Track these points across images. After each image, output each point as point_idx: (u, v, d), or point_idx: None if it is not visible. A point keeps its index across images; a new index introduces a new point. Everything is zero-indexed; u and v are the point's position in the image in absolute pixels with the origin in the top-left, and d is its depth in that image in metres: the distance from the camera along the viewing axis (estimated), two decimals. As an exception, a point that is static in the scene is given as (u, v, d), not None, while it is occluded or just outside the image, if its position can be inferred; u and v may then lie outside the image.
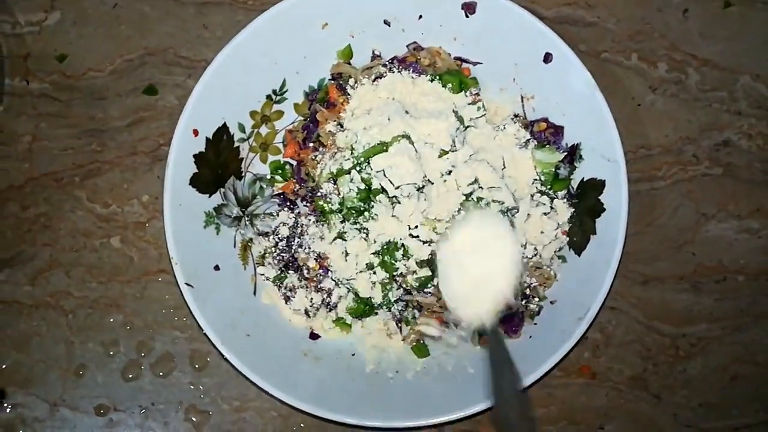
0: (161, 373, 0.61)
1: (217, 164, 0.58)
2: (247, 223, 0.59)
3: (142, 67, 0.66)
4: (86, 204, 0.64)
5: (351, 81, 0.59)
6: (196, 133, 0.56)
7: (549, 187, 0.57)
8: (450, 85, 0.57)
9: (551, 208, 0.57)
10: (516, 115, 0.60)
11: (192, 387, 0.61)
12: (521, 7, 0.56)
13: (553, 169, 0.57)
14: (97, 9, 0.67)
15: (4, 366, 0.61)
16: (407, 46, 0.60)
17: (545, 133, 0.58)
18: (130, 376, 0.61)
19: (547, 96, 0.58)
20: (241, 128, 0.59)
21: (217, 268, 0.56)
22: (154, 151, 0.64)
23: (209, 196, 0.57)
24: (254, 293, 0.58)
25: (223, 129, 0.58)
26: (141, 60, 0.66)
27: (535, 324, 0.56)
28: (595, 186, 0.56)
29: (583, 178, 0.57)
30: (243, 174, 0.60)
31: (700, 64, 0.65)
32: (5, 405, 0.61)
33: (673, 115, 0.64)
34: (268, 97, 0.60)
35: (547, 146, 0.57)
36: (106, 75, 0.66)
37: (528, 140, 0.57)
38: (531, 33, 0.56)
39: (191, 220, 0.56)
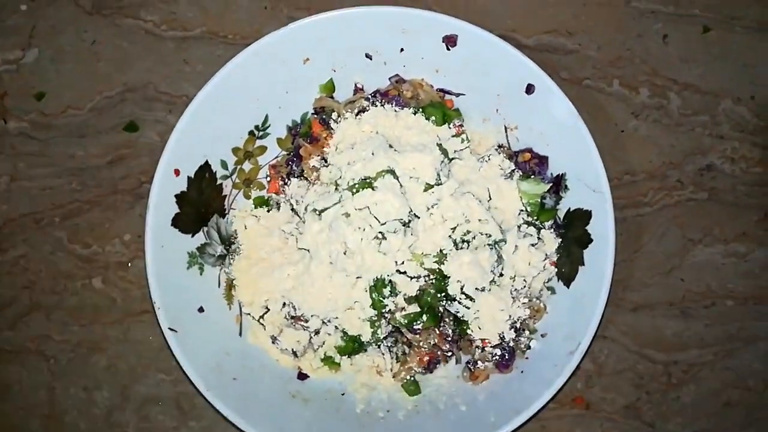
0: (146, 417, 0.60)
1: (199, 203, 0.57)
2: (231, 261, 0.58)
3: (122, 103, 0.65)
4: (66, 245, 0.62)
5: (334, 115, 0.58)
6: (177, 173, 0.55)
7: (536, 217, 0.57)
8: (433, 117, 0.57)
9: (538, 238, 0.56)
10: (500, 146, 0.60)
11: (178, 431, 0.59)
12: (502, 39, 0.56)
13: (539, 200, 0.56)
14: (75, 46, 0.66)
15: (-17, 414, 0.60)
16: (389, 78, 0.60)
17: (530, 164, 0.58)
18: (113, 420, 0.60)
19: (530, 126, 0.58)
20: (224, 165, 0.58)
21: (201, 309, 0.55)
22: (136, 189, 0.63)
23: (192, 236, 0.56)
24: (240, 334, 0.57)
25: (205, 167, 0.57)
26: (121, 96, 0.65)
27: (527, 358, 0.56)
28: (581, 216, 0.56)
29: (569, 209, 0.57)
30: (226, 211, 0.59)
31: (681, 89, 0.65)
32: (-15, 455, 0.59)
33: (656, 141, 0.65)
34: (251, 132, 0.59)
35: (533, 177, 0.57)
36: (86, 112, 0.65)
37: (513, 171, 0.57)
38: (513, 64, 0.56)
39: (174, 261, 0.55)
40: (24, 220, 0.63)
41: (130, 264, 0.62)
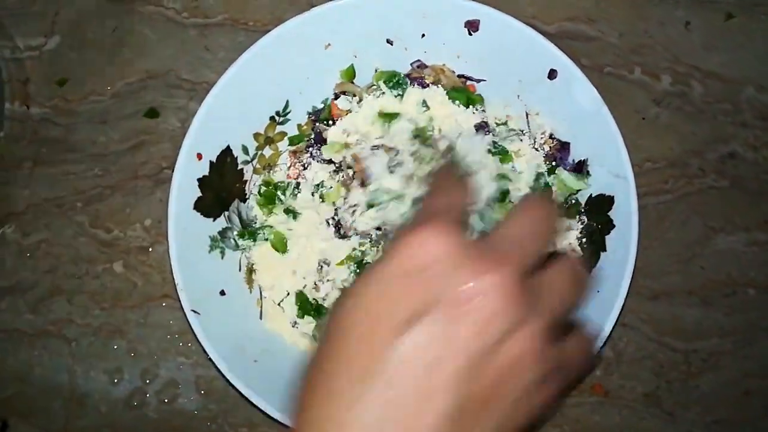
0: (166, 400, 0.60)
1: (221, 187, 0.57)
2: (252, 245, 0.58)
3: (144, 90, 0.65)
4: (88, 230, 0.63)
5: (355, 99, 0.58)
6: (200, 157, 0.55)
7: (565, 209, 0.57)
8: (458, 101, 0.57)
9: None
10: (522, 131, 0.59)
11: (198, 413, 0.60)
12: (524, 24, 0.55)
13: (572, 194, 0.57)
14: (97, 33, 0.66)
15: (5, 396, 0.60)
16: (411, 64, 0.60)
17: (552, 149, 0.58)
18: (135, 404, 0.60)
19: (552, 112, 0.58)
20: (245, 150, 0.59)
21: (222, 293, 0.55)
22: (157, 175, 0.64)
23: (213, 220, 0.57)
24: (261, 317, 0.57)
25: (227, 152, 0.57)
26: (142, 83, 0.65)
27: None
28: (604, 202, 0.55)
29: (591, 194, 0.57)
30: (247, 196, 0.59)
31: (703, 77, 0.65)
32: (8, 436, 0.60)
33: (677, 128, 0.64)
34: (272, 118, 0.59)
35: (578, 174, 0.57)
36: (108, 99, 0.65)
37: (554, 163, 0.58)
38: (535, 49, 0.56)
39: (196, 245, 0.55)
40: (46, 205, 0.63)
41: (150, 249, 0.63)
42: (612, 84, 0.64)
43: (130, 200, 0.63)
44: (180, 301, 0.52)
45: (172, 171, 0.62)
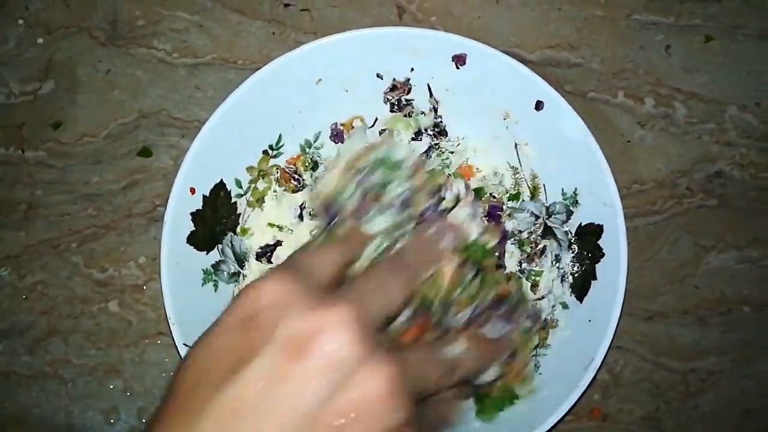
0: (163, 439, 0.60)
1: (214, 221, 0.58)
2: (245, 278, 0.59)
3: (137, 130, 0.66)
4: (83, 270, 0.63)
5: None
6: (193, 191, 0.56)
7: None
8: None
9: (556, 255, 0.57)
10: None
11: (195, 451, 0.59)
12: (510, 57, 0.56)
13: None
14: (90, 76, 0.68)
15: (2, 440, 0.60)
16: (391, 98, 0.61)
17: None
18: (132, 443, 0.60)
19: (541, 143, 0.59)
20: (238, 183, 0.60)
21: None
22: (150, 213, 0.64)
23: (207, 253, 0.57)
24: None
25: (220, 185, 0.58)
26: (135, 123, 0.67)
27: (540, 374, 0.55)
28: (593, 231, 0.56)
29: (581, 223, 0.57)
30: (240, 229, 0.60)
31: (686, 98, 0.66)
32: (4, 480, 0.59)
33: (663, 150, 0.65)
34: (265, 152, 0.60)
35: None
36: (101, 139, 0.66)
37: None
38: (521, 81, 0.57)
39: (189, 278, 0.55)
40: (41, 247, 0.64)
41: (145, 287, 0.63)
42: (596, 108, 0.65)
43: (125, 239, 0.64)
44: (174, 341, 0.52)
45: (165, 209, 0.63)
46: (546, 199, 0.59)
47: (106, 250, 0.64)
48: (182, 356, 0.52)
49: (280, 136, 0.61)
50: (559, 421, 0.52)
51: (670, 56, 0.67)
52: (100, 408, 0.61)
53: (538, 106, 0.57)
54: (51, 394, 0.61)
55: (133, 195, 0.65)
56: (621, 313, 0.53)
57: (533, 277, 0.59)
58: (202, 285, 0.56)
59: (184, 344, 0.52)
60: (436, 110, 0.61)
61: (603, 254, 0.55)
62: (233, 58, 0.68)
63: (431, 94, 0.60)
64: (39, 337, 0.62)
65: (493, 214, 0.60)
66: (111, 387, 0.61)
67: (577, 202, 0.57)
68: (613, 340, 0.53)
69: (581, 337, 0.54)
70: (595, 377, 0.59)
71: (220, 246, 0.58)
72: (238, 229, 0.59)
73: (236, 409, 0.23)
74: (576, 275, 0.57)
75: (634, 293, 0.61)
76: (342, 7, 0.68)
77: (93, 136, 0.67)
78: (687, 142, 0.65)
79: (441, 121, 0.61)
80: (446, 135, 0.61)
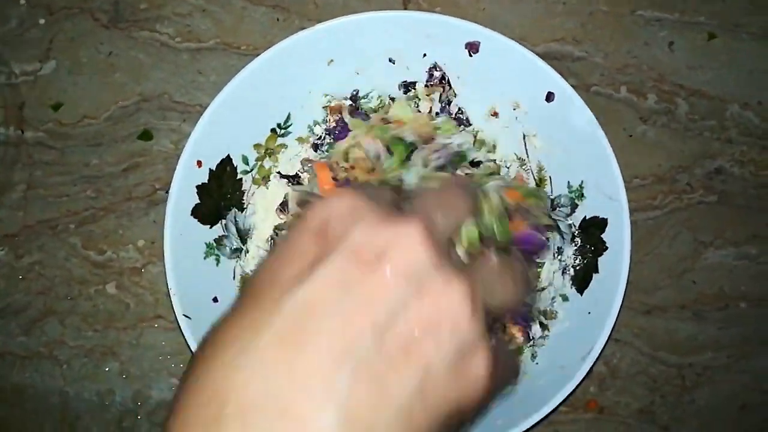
0: (158, 422, 0.59)
1: (219, 195, 0.58)
2: (247, 255, 0.59)
3: (138, 113, 0.66)
4: (81, 251, 0.63)
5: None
6: (199, 164, 0.56)
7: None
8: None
9: (558, 248, 0.57)
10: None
11: (190, 435, 0.59)
12: (524, 47, 0.56)
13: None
14: (91, 57, 0.67)
15: (-4, 420, 0.60)
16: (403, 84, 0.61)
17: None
18: (126, 425, 0.59)
19: (549, 134, 0.59)
20: (245, 160, 0.59)
21: (215, 300, 0.55)
22: (150, 196, 0.64)
23: (210, 227, 0.57)
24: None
25: (227, 161, 0.58)
26: (136, 106, 0.66)
27: (537, 363, 0.56)
28: (597, 224, 0.56)
29: (585, 216, 0.57)
30: (245, 206, 0.60)
31: (688, 94, 0.66)
32: (-3, 461, 0.59)
33: (664, 145, 0.65)
34: (273, 130, 0.60)
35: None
36: (102, 122, 0.66)
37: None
38: (534, 72, 0.57)
39: (191, 250, 0.55)
40: (40, 227, 0.64)
41: (143, 270, 0.63)
42: (599, 103, 0.66)
43: (123, 221, 0.64)
44: (175, 313, 0.52)
45: (166, 192, 0.63)
46: (552, 191, 0.59)
47: (104, 233, 0.63)
48: (181, 326, 0.52)
49: (288, 115, 0.61)
50: (554, 410, 0.52)
51: (673, 53, 0.67)
52: (96, 390, 0.60)
53: (549, 97, 0.57)
54: (46, 375, 0.61)
55: (133, 178, 0.65)
56: (620, 306, 0.53)
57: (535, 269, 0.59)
58: (204, 258, 0.56)
59: (184, 315, 0.52)
60: (450, 102, 0.61)
61: (606, 248, 0.55)
62: (236, 44, 0.67)
63: (450, 85, 0.61)
64: (35, 317, 0.62)
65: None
66: (107, 369, 0.61)
67: (582, 195, 0.57)
68: (612, 332, 0.53)
69: (580, 329, 0.55)
70: (592, 369, 0.59)
71: (223, 221, 0.58)
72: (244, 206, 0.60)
73: (308, 309, 0.23)
74: (577, 268, 0.57)
75: (633, 287, 0.61)
76: (347, -5, 0.68)
77: (93, 118, 0.66)
78: (688, 139, 0.65)
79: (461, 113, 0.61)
80: (470, 125, 0.61)
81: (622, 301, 0.54)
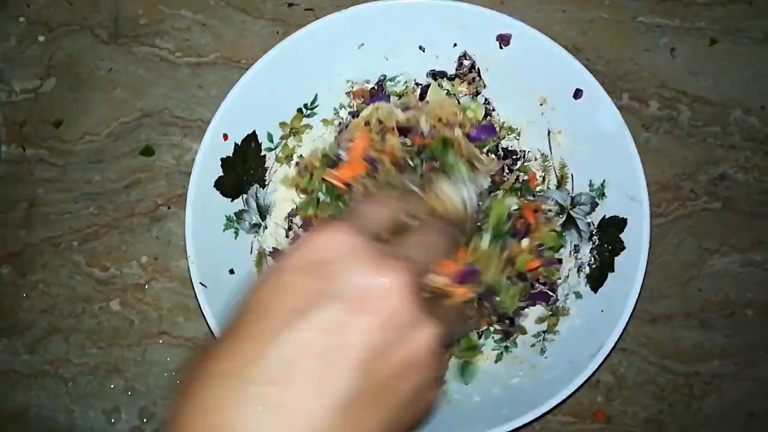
0: (164, 439, 0.59)
1: (243, 170, 0.58)
2: (265, 231, 0.59)
3: (139, 128, 0.66)
4: (84, 268, 0.63)
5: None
6: (225, 137, 0.56)
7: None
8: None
9: (575, 246, 0.58)
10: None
11: (197, 452, 0.59)
12: (556, 43, 0.56)
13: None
14: (92, 74, 0.67)
15: (2, 439, 0.60)
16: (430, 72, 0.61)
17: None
18: (133, 443, 0.59)
19: (574, 132, 0.59)
20: (270, 138, 0.60)
21: (232, 272, 0.56)
22: (152, 212, 0.64)
23: (231, 201, 0.58)
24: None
25: (252, 136, 0.58)
26: (137, 122, 0.66)
27: (546, 357, 0.55)
28: (616, 224, 0.56)
29: (605, 216, 0.57)
30: (267, 183, 0.60)
31: (691, 100, 0.66)
32: (4, 481, 0.59)
33: (668, 152, 0.65)
34: (299, 110, 0.61)
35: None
36: (103, 138, 0.66)
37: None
38: (563, 68, 0.56)
39: (211, 221, 0.56)
40: (43, 245, 0.64)
41: (146, 286, 0.63)
42: (601, 110, 0.65)
43: (126, 238, 0.64)
44: (192, 283, 0.52)
45: (168, 208, 0.63)
46: (572, 189, 0.59)
47: (107, 249, 0.63)
48: (197, 293, 0.52)
49: (316, 95, 0.61)
50: (557, 411, 0.50)
51: (675, 59, 0.67)
52: (101, 408, 0.60)
53: (577, 94, 0.57)
54: (51, 393, 0.61)
55: (136, 194, 0.65)
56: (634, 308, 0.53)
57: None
58: (224, 230, 0.57)
59: (201, 283, 0.52)
60: (478, 92, 0.61)
61: (623, 248, 0.55)
62: (236, 58, 0.67)
63: (479, 75, 0.61)
64: (39, 335, 0.62)
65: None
66: (112, 386, 0.61)
67: (603, 194, 0.57)
68: (619, 338, 0.52)
69: (591, 326, 0.54)
70: (599, 379, 0.59)
71: (245, 195, 0.59)
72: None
73: (304, 346, 0.26)
74: (593, 266, 0.57)
75: (639, 295, 0.61)
76: (346, 8, 0.68)
77: (95, 135, 0.66)
78: (691, 145, 0.65)
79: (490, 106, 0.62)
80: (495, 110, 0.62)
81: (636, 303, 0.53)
